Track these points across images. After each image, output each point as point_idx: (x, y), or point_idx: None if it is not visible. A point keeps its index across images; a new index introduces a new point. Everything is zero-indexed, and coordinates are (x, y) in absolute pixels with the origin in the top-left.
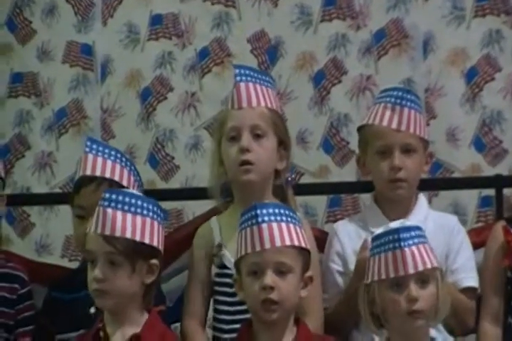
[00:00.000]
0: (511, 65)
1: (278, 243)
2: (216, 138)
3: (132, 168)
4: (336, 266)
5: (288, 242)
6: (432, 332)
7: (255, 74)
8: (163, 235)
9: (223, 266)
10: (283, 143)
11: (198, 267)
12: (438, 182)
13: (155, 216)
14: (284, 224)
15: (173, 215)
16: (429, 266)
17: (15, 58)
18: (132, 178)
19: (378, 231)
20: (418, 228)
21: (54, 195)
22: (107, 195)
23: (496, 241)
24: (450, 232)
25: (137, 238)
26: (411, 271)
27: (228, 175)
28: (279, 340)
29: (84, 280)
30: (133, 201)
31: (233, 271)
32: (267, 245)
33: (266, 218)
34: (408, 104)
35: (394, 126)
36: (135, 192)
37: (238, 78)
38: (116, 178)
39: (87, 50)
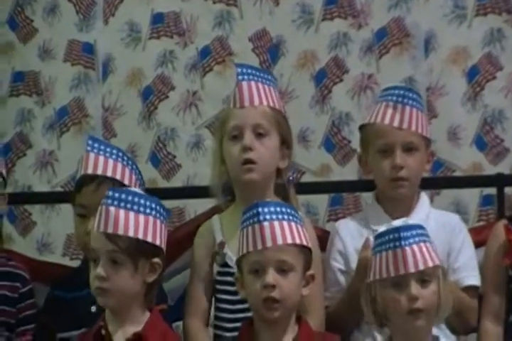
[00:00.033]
0: None
1: (279, 241)
2: (218, 137)
3: (134, 166)
4: (338, 264)
5: (289, 240)
6: (434, 331)
7: (257, 73)
8: (166, 234)
9: (225, 265)
10: (285, 142)
11: (200, 265)
12: (439, 181)
13: (158, 215)
14: (285, 223)
15: (175, 214)
16: (430, 264)
17: (16, 57)
18: (134, 177)
19: (380, 229)
20: (420, 227)
21: (55, 194)
22: (111, 193)
23: (497, 239)
24: (452, 231)
25: (140, 236)
26: (411, 269)
27: (230, 173)
28: (280, 338)
29: (85, 278)
30: (136, 199)
31: (235, 270)
32: (269, 243)
33: (267, 216)
34: (410, 102)
35: (396, 124)
36: (138, 190)
37: (240, 77)
38: (118, 177)
39: (89, 48)
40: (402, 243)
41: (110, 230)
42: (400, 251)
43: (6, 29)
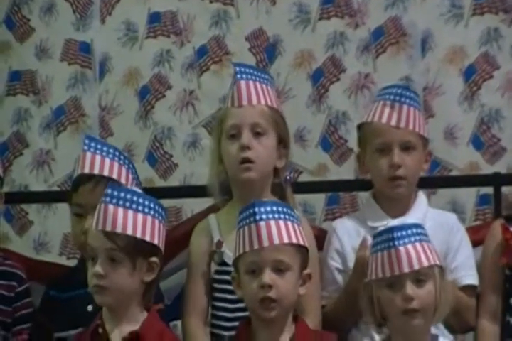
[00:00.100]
0: (509, 63)
1: (276, 241)
2: (215, 136)
3: (130, 166)
4: (335, 263)
5: (286, 240)
6: (432, 330)
7: (255, 72)
8: (164, 234)
9: (223, 263)
10: (283, 142)
11: (198, 264)
12: (436, 181)
13: (156, 214)
14: (282, 222)
15: (172, 213)
16: (425, 264)
17: (13, 56)
18: (130, 176)
19: (377, 226)
20: (417, 226)
21: (52, 193)
22: (109, 191)
23: (494, 239)
24: (449, 230)
25: (138, 235)
26: (406, 269)
27: (228, 172)
28: (277, 338)
29: (82, 278)
30: (135, 198)
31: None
32: (265, 243)
33: (264, 216)
34: (407, 101)
35: (393, 123)
36: (137, 189)
37: (238, 76)
38: (115, 176)
39: (86, 48)
40: (396, 243)
41: (108, 228)
42: (394, 251)
43: (3, 28)
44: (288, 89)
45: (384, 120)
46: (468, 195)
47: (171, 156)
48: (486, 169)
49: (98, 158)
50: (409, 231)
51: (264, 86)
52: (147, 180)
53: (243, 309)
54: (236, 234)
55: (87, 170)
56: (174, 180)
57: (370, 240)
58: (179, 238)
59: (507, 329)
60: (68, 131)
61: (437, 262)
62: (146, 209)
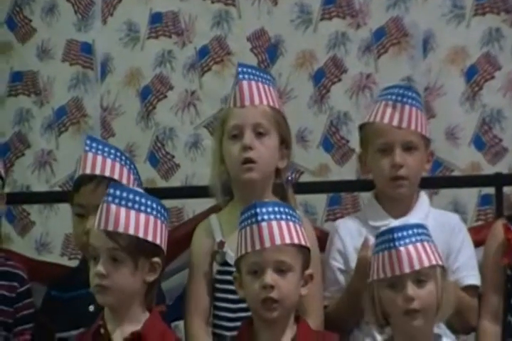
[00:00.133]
0: (511, 64)
1: (278, 241)
2: (217, 137)
3: (132, 166)
4: (337, 263)
5: (288, 240)
6: (434, 329)
7: (257, 73)
8: (167, 235)
9: (225, 264)
10: (284, 142)
11: (200, 265)
12: (438, 181)
13: (159, 215)
14: (283, 223)
15: (174, 214)
16: (426, 264)
17: (15, 57)
18: (132, 177)
19: (379, 226)
20: (419, 226)
21: (54, 194)
22: (112, 191)
23: (496, 239)
24: (451, 231)
25: (140, 235)
26: (406, 270)
27: (230, 173)
28: (279, 338)
29: (83, 278)
30: (137, 198)
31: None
32: (267, 244)
33: (265, 217)
34: (409, 101)
35: (395, 123)
36: (140, 190)
37: (240, 76)
38: (116, 177)
39: (87, 48)
40: (396, 244)
41: (111, 228)
42: (395, 251)
43: (5, 29)
44: (289, 90)
45: (386, 120)
46: (469, 195)
47: (173, 157)
48: (488, 169)
49: (99, 158)
50: (411, 232)
51: (266, 86)
52: (149, 181)
53: (245, 309)
54: (238, 235)
55: (88, 171)
56: (176, 181)
57: (372, 240)
58: (181, 238)
59: (508, 330)
60: (70, 131)
61: (439, 262)
62: (149, 210)
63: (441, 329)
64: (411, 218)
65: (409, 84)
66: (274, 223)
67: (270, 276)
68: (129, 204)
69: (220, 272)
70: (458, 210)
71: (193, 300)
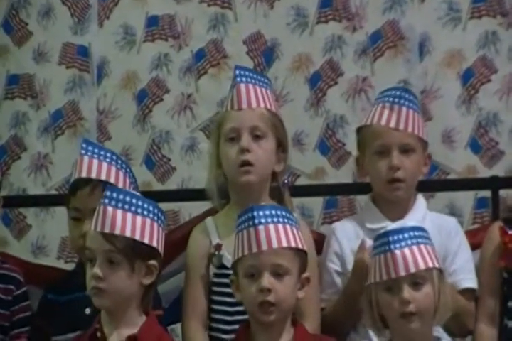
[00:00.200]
0: (507, 67)
1: (275, 244)
2: (214, 140)
3: (128, 170)
4: (334, 265)
5: (285, 244)
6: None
7: (254, 76)
8: (163, 238)
9: (222, 266)
10: (281, 145)
11: (196, 267)
12: (434, 184)
13: (155, 218)
14: (280, 226)
15: (170, 217)
16: (422, 267)
17: (11, 60)
18: (128, 180)
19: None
20: (417, 229)
21: (50, 197)
22: (109, 193)
23: (492, 242)
24: (448, 234)
25: (137, 237)
26: (402, 273)
27: (227, 176)
28: None
29: (80, 281)
30: (134, 201)
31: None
32: (264, 247)
33: (262, 220)
34: (406, 103)
35: (392, 125)
36: (136, 192)
37: (238, 79)
38: (112, 180)
39: (83, 51)
40: (392, 247)
41: (107, 230)
42: (390, 255)
43: (1, 32)
44: (286, 93)
45: (383, 122)
46: (466, 199)
47: (169, 160)
48: (484, 172)
49: (95, 162)
50: (407, 235)
51: (263, 89)
52: (145, 184)
53: (242, 312)
54: (235, 238)
55: (84, 175)
56: (172, 184)
57: (368, 242)
58: (177, 241)
59: (505, 333)
60: (66, 134)
61: (435, 265)
62: (146, 212)
63: (438, 332)
64: (408, 221)
65: (407, 87)
66: (271, 226)
67: (267, 279)
68: (126, 206)
69: (216, 275)
70: (454, 213)
71: (190, 303)
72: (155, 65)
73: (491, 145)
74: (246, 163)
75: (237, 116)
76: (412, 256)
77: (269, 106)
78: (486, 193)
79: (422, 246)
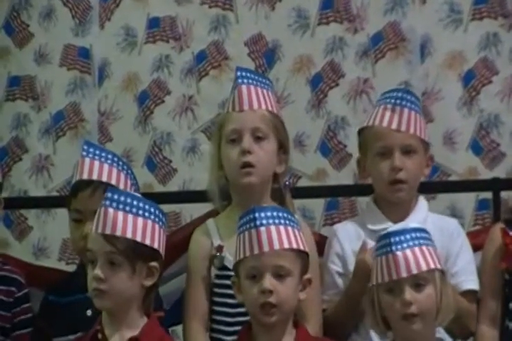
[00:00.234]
0: (508, 68)
1: (276, 246)
2: (215, 141)
3: (129, 171)
4: (336, 266)
5: (286, 245)
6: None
7: (256, 77)
8: (165, 239)
9: (224, 268)
10: (283, 147)
11: (197, 269)
12: (435, 186)
13: (156, 219)
14: (282, 227)
15: (171, 218)
16: (424, 268)
17: (12, 61)
18: (129, 182)
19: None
20: (418, 230)
21: (51, 198)
22: (110, 195)
23: (494, 243)
24: (450, 235)
25: (138, 238)
26: (403, 274)
27: (228, 177)
28: None
29: (81, 283)
30: (135, 202)
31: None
32: (266, 248)
33: (264, 221)
34: (408, 104)
35: (394, 126)
36: (138, 194)
37: (239, 80)
38: (113, 182)
39: (85, 53)
40: (393, 248)
41: (108, 231)
42: (392, 256)
43: (2, 34)
44: (287, 95)
45: (385, 123)
46: (467, 200)
47: (170, 161)
48: (485, 174)
49: (97, 163)
50: (408, 236)
51: (265, 91)
52: (146, 186)
53: (244, 314)
54: (236, 239)
55: (85, 176)
56: (173, 186)
57: (370, 243)
58: (178, 243)
59: (506, 334)
60: (67, 136)
61: (437, 266)
62: (147, 214)
63: (440, 333)
64: (409, 222)
65: (408, 88)
66: (272, 228)
67: (269, 281)
68: (127, 208)
69: (218, 276)
70: (455, 215)
71: (192, 305)
72: (156, 67)
73: (492, 146)
74: (247, 165)
75: (238, 117)
76: (413, 258)
77: (270, 108)
78: (487, 195)
79: (423, 248)
